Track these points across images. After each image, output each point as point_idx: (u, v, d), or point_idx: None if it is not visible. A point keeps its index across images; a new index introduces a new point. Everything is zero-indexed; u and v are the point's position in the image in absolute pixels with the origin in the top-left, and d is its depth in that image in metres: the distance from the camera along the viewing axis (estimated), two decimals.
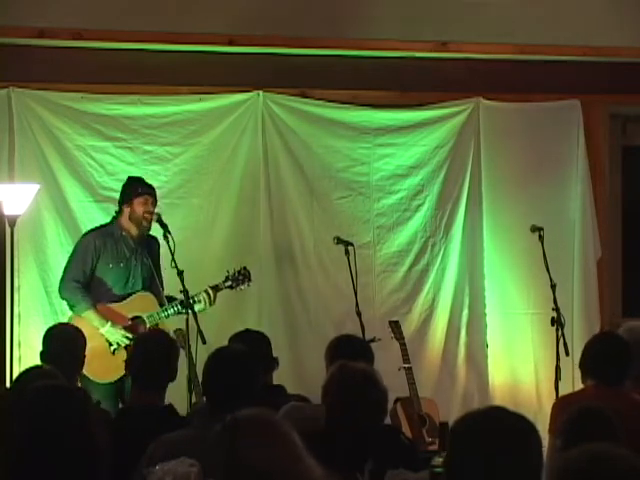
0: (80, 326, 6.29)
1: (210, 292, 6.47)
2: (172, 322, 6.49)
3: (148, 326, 6.39)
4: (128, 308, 6.46)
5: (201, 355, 5.47)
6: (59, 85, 7.17)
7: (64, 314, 6.85)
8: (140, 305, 6.48)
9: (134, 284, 6.52)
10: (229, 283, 6.63)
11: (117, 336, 6.35)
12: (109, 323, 6.36)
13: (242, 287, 6.70)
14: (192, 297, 6.33)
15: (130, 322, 6.44)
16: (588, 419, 3.69)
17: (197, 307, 6.39)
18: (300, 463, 2.75)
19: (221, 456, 2.74)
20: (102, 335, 6.35)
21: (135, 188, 6.55)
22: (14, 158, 7.06)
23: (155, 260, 6.51)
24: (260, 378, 4.34)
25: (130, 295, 6.51)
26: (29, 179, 6.87)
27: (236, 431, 2.74)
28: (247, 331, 5.39)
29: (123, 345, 6.35)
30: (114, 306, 6.45)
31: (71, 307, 6.49)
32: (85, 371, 6.26)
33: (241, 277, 6.67)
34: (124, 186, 6.63)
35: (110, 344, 6.34)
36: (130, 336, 6.30)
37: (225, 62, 7.38)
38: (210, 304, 6.48)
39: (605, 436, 3.48)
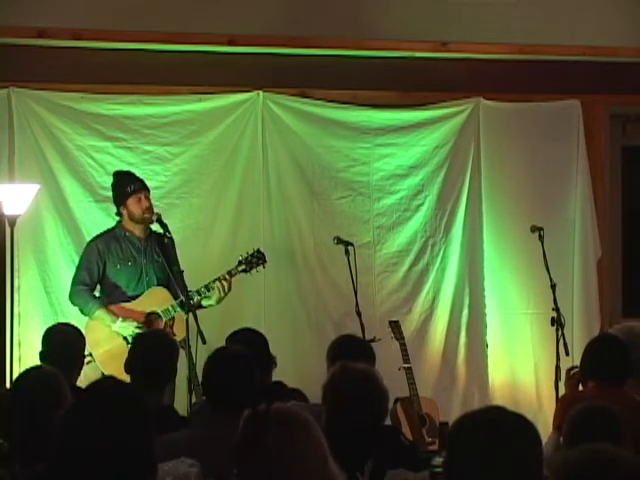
0: (95, 330, 6.32)
1: (222, 278, 6.45)
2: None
3: (164, 320, 6.37)
4: (143, 305, 6.42)
5: (201, 355, 5.47)
6: (59, 85, 7.17)
7: (64, 314, 6.86)
8: (154, 300, 6.42)
9: (148, 282, 6.47)
10: (243, 267, 6.56)
11: (130, 329, 6.30)
12: (120, 319, 6.33)
13: (257, 269, 6.64)
14: (206, 285, 6.38)
15: (145, 318, 6.41)
16: (595, 417, 3.69)
17: (214, 296, 6.41)
18: (324, 464, 2.74)
19: (246, 440, 2.71)
20: (118, 334, 6.33)
21: (124, 189, 6.52)
22: (14, 158, 7.06)
23: (169, 258, 6.31)
24: (260, 378, 4.34)
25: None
26: (29, 179, 6.87)
27: (267, 420, 2.72)
28: (243, 330, 5.37)
29: None
30: (128, 305, 6.42)
31: (82, 311, 6.45)
32: (106, 372, 6.26)
33: (255, 259, 6.61)
34: (113, 186, 6.61)
35: (128, 342, 6.27)
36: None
37: (225, 62, 7.37)
38: (224, 291, 6.44)
39: (611, 435, 3.48)
